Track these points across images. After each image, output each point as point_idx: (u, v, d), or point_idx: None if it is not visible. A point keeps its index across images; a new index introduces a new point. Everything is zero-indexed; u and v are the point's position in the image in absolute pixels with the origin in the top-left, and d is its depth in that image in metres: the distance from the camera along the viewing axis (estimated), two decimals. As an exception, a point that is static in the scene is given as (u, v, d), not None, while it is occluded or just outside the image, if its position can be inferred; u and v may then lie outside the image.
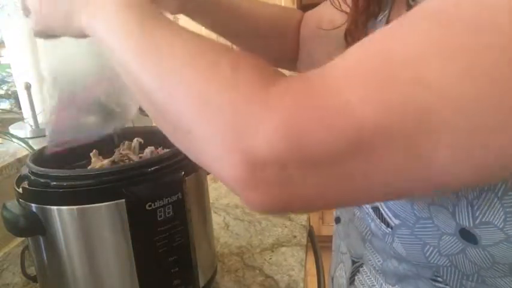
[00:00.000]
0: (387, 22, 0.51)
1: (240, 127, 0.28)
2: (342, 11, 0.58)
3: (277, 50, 0.74)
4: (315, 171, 0.27)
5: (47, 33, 0.46)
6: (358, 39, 0.56)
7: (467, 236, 0.37)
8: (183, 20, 0.65)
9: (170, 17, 0.63)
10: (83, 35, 0.40)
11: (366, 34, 0.54)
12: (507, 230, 0.35)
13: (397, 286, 0.46)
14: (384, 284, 0.47)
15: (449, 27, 0.26)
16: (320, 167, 0.27)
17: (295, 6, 1.96)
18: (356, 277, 0.52)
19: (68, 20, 0.41)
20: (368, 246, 0.49)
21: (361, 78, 0.27)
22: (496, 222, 0.36)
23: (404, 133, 0.25)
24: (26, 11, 0.47)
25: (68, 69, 0.57)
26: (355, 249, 0.52)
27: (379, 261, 0.48)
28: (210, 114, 0.30)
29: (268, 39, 0.72)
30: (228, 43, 0.76)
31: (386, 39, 0.28)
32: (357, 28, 0.55)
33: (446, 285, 0.41)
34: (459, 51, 0.25)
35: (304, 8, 2.09)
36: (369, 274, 0.49)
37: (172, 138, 0.35)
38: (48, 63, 0.58)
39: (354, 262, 0.52)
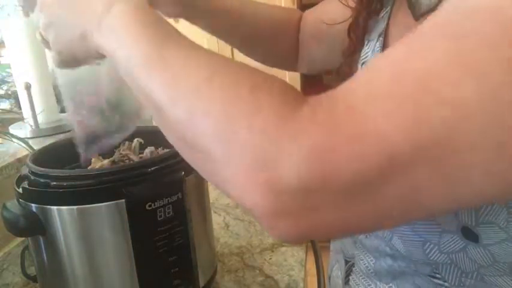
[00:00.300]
0: (389, 19, 0.51)
1: (265, 155, 0.27)
2: (347, 6, 0.58)
3: (277, 51, 0.74)
4: (343, 200, 0.27)
5: (69, 62, 0.46)
6: (360, 35, 0.56)
7: (468, 234, 0.37)
8: (184, 25, 0.65)
9: (170, 21, 0.63)
10: (102, 56, 0.40)
11: (367, 30, 0.55)
12: (509, 230, 0.35)
13: (391, 284, 0.46)
14: (378, 283, 0.47)
15: (462, 42, 0.26)
16: (349, 195, 0.27)
17: (295, 7, 1.95)
18: (350, 277, 0.52)
19: (84, 44, 0.41)
20: (358, 247, 0.49)
21: (385, 104, 0.26)
22: (498, 222, 0.36)
23: (434, 154, 0.25)
24: (46, 44, 0.46)
25: (81, 79, 0.56)
26: (347, 249, 0.52)
27: (371, 260, 0.48)
28: (231, 139, 0.29)
29: (268, 41, 0.72)
30: (229, 47, 0.76)
31: (404, 60, 0.28)
32: (359, 24, 0.56)
33: (445, 281, 0.41)
34: (474, 67, 0.25)
35: (304, 8, 2.09)
36: (361, 274, 0.49)
37: (187, 157, 0.35)
38: (61, 77, 0.58)
39: (346, 262, 0.52)
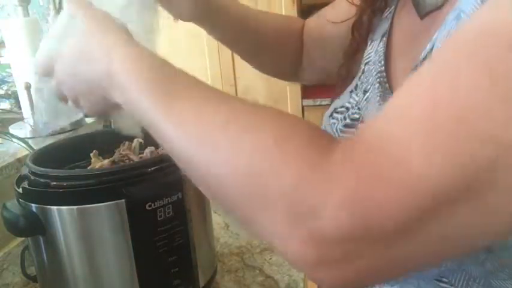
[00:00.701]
0: (392, 19, 0.51)
1: (301, 207, 0.27)
2: (352, 3, 0.58)
3: (282, 60, 0.73)
4: (387, 246, 0.26)
5: (107, 115, 0.47)
6: (364, 34, 0.56)
7: None
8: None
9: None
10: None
11: (371, 30, 0.55)
12: None
13: (396, 286, 0.45)
14: (382, 285, 0.47)
15: (494, 73, 0.25)
16: (392, 240, 0.26)
17: (295, 7, 1.96)
18: None
19: (108, 103, 0.41)
20: None
21: (423, 145, 0.26)
22: None
23: (475, 190, 0.25)
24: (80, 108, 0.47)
25: None
26: None
27: None
28: (260, 194, 0.28)
29: (273, 50, 0.71)
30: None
31: (434, 96, 0.27)
32: (363, 22, 0.55)
33: (451, 286, 0.41)
34: (509, 97, 0.24)
35: (305, 8, 2.08)
36: None
37: (223, 209, 0.34)
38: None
39: None
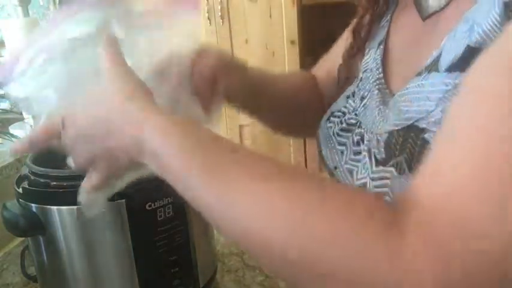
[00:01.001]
0: (389, 27, 0.51)
1: None
2: (357, 3, 0.58)
3: (310, 117, 0.70)
4: None
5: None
6: (364, 37, 0.56)
7: None
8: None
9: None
10: None
11: (369, 37, 0.55)
12: None
13: None
14: None
15: None
16: None
17: (295, 7, 1.95)
18: None
19: (138, 162, 0.39)
20: None
21: (482, 203, 0.26)
22: None
23: None
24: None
25: None
26: None
27: None
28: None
29: (303, 110, 0.69)
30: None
31: (483, 148, 0.26)
32: (364, 24, 0.56)
33: None
34: None
35: (304, 8, 2.06)
36: None
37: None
38: None
39: None
